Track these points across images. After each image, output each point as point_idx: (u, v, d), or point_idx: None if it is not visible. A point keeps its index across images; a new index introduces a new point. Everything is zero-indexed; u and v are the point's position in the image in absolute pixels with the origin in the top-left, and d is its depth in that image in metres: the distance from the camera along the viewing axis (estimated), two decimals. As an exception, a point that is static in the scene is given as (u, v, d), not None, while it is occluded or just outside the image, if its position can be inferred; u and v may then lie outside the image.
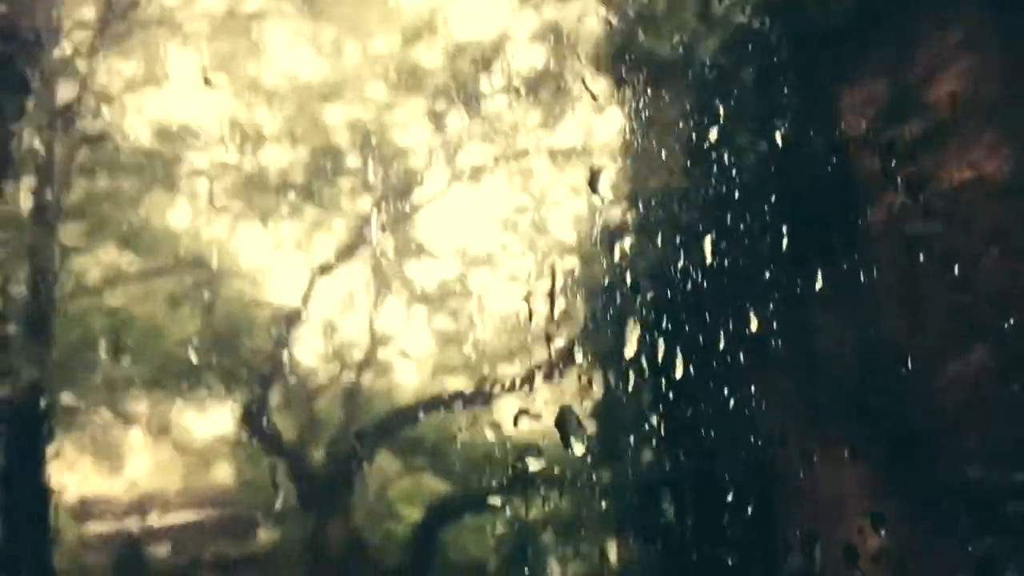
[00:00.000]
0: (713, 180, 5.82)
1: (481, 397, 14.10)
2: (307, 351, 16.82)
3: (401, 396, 15.63)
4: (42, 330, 10.99)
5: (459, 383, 15.16)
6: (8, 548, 6.04)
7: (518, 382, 13.68)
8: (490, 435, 14.98)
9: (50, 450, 7.51)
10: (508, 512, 14.50)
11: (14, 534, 5.93)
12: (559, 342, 13.47)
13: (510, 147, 14.39)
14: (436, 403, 14.27)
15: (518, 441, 14.58)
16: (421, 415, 14.29)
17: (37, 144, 10.51)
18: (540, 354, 13.92)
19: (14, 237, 10.21)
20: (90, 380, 14.51)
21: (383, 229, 14.96)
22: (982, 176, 4.58)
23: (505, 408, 15.33)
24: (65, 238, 12.90)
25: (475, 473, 14.29)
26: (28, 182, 11.65)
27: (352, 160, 15.00)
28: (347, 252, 14.82)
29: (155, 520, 20.27)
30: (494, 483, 14.22)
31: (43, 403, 6.33)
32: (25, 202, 11.84)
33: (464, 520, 14.84)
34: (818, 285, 5.25)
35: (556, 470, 13.12)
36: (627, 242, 6.90)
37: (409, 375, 16.62)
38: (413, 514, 14.22)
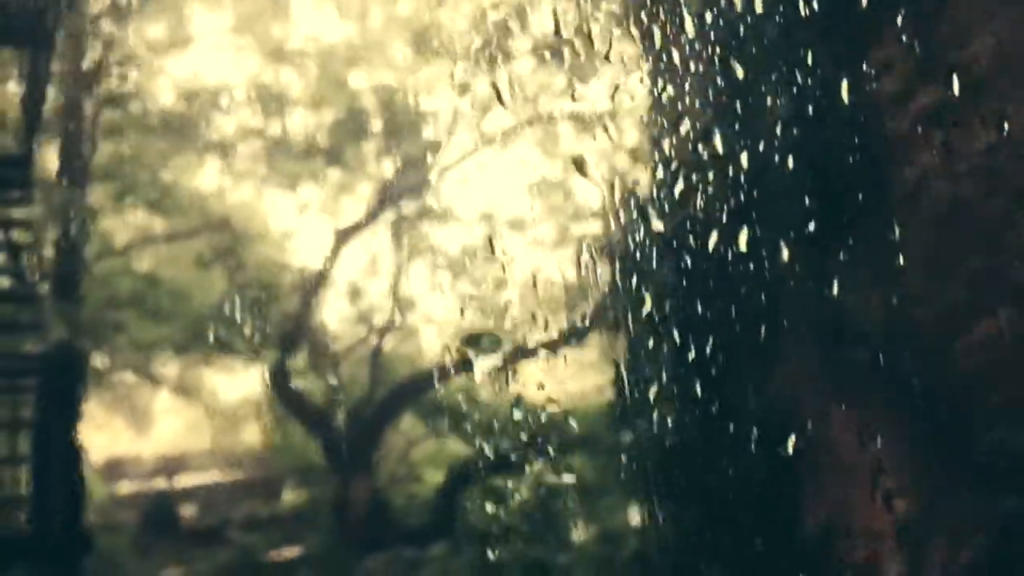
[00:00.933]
0: (738, 140, 5.74)
1: (504, 361, 14.13)
2: (332, 315, 16.91)
3: (424, 360, 15.71)
4: (71, 291, 11.11)
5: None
6: (39, 504, 6.16)
7: (542, 347, 13.69)
8: (513, 399, 15.03)
9: (81, 409, 7.63)
10: (531, 476, 14.58)
11: (45, 490, 6.04)
12: (584, 307, 13.48)
13: (535, 111, 14.29)
14: (459, 367, 14.32)
15: (541, 405, 14.64)
16: (444, 378, 14.35)
17: (64, 105, 10.56)
18: (565, 319, 13.92)
19: (43, 197, 10.29)
20: (119, 341, 14.71)
21: (408, 193, 14.95)
22: (1014, 136, 4.48)
23: (529, 372, 15.37)
24: (93, 199, 13.01)
25: (498, 436, 14.36)
26: (56, 143, 11.72)
27: (376, 124, 14.98)
28: (372, 216, 14.84)
29: (183, 481, 20.60)
30: (517, 446, 14.30)
31: (74, 362, 6.43)
32: (53, 163, 11.93)
33: (486, 483, 14.93)
34: (844, 247, 5.19)
35: (579, 433, 13.18)
36: (650, 207, 6.84)
37: (433, 340, 16.69)
38: (435, 476, 14.35)
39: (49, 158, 12.55)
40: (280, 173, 16.03)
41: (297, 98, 15.75)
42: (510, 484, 14.40)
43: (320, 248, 15.62)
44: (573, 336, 13.09)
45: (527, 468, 14.18)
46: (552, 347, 13.56)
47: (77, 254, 10.93)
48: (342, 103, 15.16)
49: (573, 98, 14.25)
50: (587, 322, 12.84)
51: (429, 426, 15.31)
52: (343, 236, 14.83)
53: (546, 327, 14.57)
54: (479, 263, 16.16)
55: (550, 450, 13.91)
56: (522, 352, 13.88)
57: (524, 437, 14.11)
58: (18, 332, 6.64)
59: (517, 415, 14.50)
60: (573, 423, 13.65)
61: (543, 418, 14.11)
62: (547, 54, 12.77)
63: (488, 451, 14.38)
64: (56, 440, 6.04)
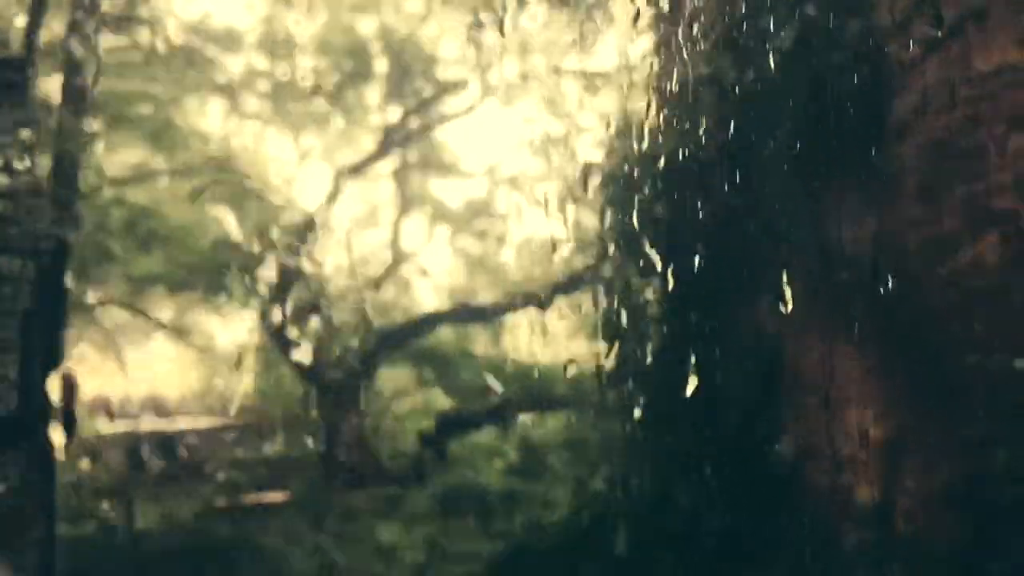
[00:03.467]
0: (739, 71, 5.71)
1: (496, 313, 14.15)
2: (328, 261, 16.91)
3: (417, 311, 15.72)
4: (65, 213, 11.04)
5: (477, 301, 15.22)
6: (27, 388, 6.27)
7: (533, 300, 13.70)
8: (502, 353, 15.09)
9: (68, 298, 7.67)
10: (517, 432, 14.64)
11: (33, 376, 6.17)
12: (577, 262, 13.48)
13: (542, 65, 14.22)
14: (449, 316, 14.34)
15: (530, 360, 14.68)
16: (433, 328, 14.38)
17: (68, 24, 10.49)
18: (558, 274, 13.92)
19: (41, 119, 10.22)
20: (110, 272, 14.72)
21: (409, 142, 14.90)
22: (1011, 64, 4.46)
23: (520, 328, 15.41)
24: (93, 127, 12.94)
25: (485, 390, 14.41)
26: (56, 68, 11.62)
27: (381, 70, 14.91)
28: (372, 160, 14.80)
29: (173, 423, 20.68)
30: (504, 400, 14.34)
31: (63, 252, 6.52)
32: (53, 88, 11.83)
33: (472, 439, 14.96)
34: (839, 175, 5.19)
35: (566, 391, 13.19)
36: (648, 140, 6.80)
37: (428, 292, 16.72)
38: (421, 426, 14.38)
39: (51, 86, 12.47)
40: (284, 117, 15.98)
41: (304, 43, 15.68)
42: (495, 440, 14.45)
43: (320, 193, 15.63)
44: (564, 289, 13.09)
45: (512, 423, 14.24)
46: (543, 302, 13.57)
47: (72, 178, 10.87)
48: (348, 49, 15.09)
49: (583, 56, 14.18)
50: (581, 277, 12.84)
51: (417, 376, 15.36)
52: (342, 180, 14.79)
53: (542, 284, 14.58)
54: (479, 218, 16.16)
55: (537, 406, 13.96)
56: (512, 306, 13.90)
57: (511, 391, 14.16)
58: (11, 225, 6.71)
59: (504, 369, 14.55)
60: (558, 381, 13.68)
61: (529, 372, 14.16)
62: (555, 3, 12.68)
63: (473, 404, 14.42)
64: (44, 330, 6.14)
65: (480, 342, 15.26)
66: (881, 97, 5.03)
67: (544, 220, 16.02)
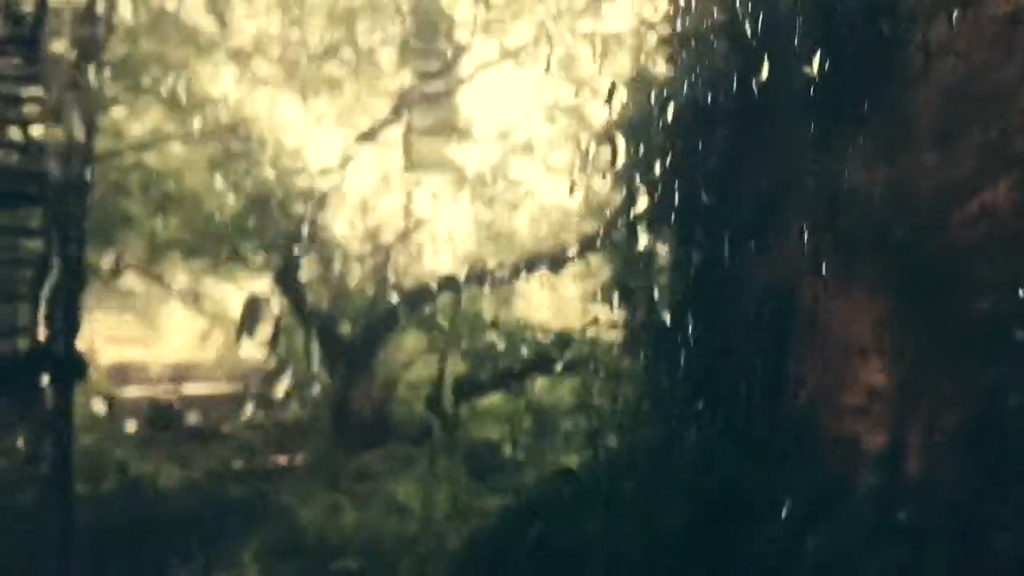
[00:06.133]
0: (753, 17, 5.66)
1: (508, 277, 14.17)
2: (341, 227, 16.92)
3: (430, 275, 15.73)
4: (79, 176, 11.08)
5: (490, 266, 15.22)
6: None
7: (547, 263, 13.72)
8: (516, 317, 15.09)
9: (83, 244, 7.77)
10: (528, 396, 14.68)
11: (50, 320, 6.30)
12: (589, 227, 13.47)
13: (554, 27, 14.12)
14: (462, 280, 14.36)
15: (543, 325, 14.70)
16: (446, 291, 14.42)
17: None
18: (571, 240, 13.92)
19: (56, 78, 10.24)
20: (127, 238, 14.81)
21: (421, 105, 14.85)
22: (1029, 8, 4.40)
23: (533, 292, 15.43)
24: (107, 91, 12.95)
25: (498, 354, 14.44)
26: (68, 27, 11.62)
27: (393, 33, 14.84)
28: (386, 125, 14.77)
29: (188, 389, 20.85)
30: (516, 365, 14.38)
31: (79, 191, 6.64)
32: (68, 48, 11.84)
33: (484, 402, 15.03)
34: (853, 121, 5.15)
35: (579, 353, 13.21)
36: (663, 93, 6.76)
37: (440, 257, 16.70)
38: (433, 389, 14.45)
39: (64, 44, 12.47)
40: (297, 81, 15.94)
41: (317, 4, 15.60)
42: (506, 404, 14.49)
43: (334, 158, 15.58)
44: (578, 251, 13.08)
45: (523, 387, 14.28)
46: (557, 265, 13.58)
47: (87, 140, 10.90)
48: (363, 11, 15.02)
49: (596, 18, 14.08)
50: (591, 242, 12.82)
51: (429, 340, 15.38)
52: (356, 145, 14.76)
53: (554, 249, 14.58)
54: (491, 183, 16.13)
55: (549, 370, 13.99)
56: (526, 269, 13.90)
57: (523, 355, 14.20)
58: (26, 178, 6.78)
59: (517, 333, 14.57)
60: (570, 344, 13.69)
61: (543, 337, 14.19)
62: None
63: (485, 368, 14.46)
64: (58, 284, 6.24)
65: (493, 306, 15.26)
66: (896, 42, 4.98)
67: (558, 184, 15.99)
